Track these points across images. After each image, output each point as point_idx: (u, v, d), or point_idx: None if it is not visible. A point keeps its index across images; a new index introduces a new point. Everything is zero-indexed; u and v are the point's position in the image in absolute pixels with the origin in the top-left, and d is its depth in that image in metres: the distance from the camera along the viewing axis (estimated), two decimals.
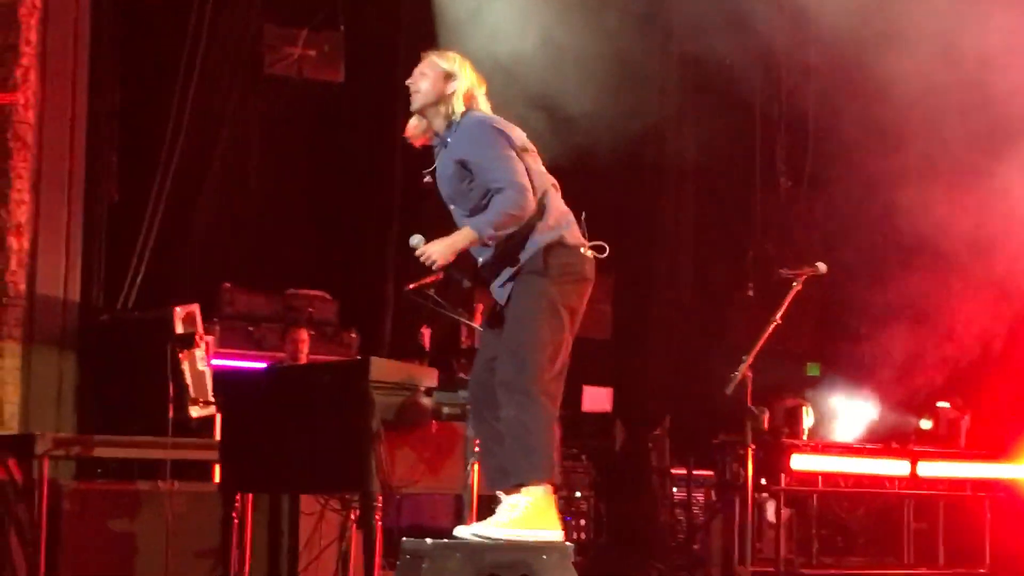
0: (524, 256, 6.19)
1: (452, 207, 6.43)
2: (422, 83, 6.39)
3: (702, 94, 14.35)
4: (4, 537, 8.80)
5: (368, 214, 13.47)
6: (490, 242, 6.16)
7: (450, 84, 6.35)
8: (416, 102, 6.39)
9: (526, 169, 6.23)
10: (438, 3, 12.49)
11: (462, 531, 6.06)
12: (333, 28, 12.74)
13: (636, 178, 14.66)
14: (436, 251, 6.10)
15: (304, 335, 11.40)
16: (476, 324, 8.33)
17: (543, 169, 6.39)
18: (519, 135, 6.36)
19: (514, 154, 6.23)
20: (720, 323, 14.66)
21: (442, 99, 6.36)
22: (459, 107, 6.35)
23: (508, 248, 6.22)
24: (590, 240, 6.33)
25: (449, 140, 6.35)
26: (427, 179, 6.53)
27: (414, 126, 6.47)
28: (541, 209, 6.23)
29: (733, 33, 12.73)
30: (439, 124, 6.39)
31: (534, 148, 6.41)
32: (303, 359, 11.29)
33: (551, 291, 6.15)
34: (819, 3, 12.20)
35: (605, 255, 6.31)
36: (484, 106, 6.46)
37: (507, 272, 6.26)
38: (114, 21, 11.62)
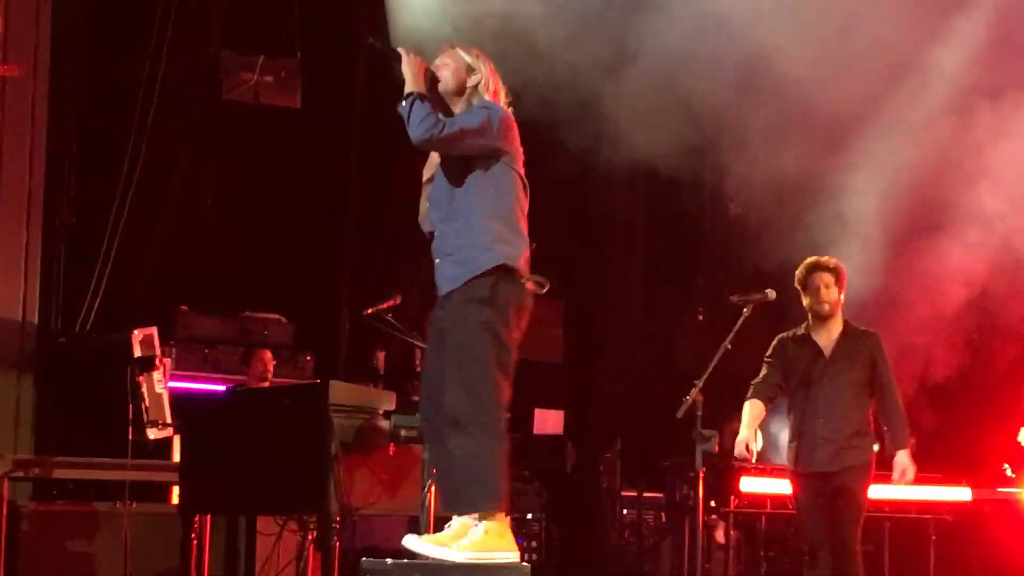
0: (480, 259, 6.11)
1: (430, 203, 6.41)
2: (443, 72, 6.35)
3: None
4: None
5: (323, 238, 13.51)
6: (405, 104, 6.13)
7: (472, 76, 6.33)
8: (440, 88, 6.33)
9: (511, 181, 6.24)
10: (395, 30, 12.58)
11: (412, 541, 6.04)
12: (290, 55, 12.81)
13: (586, 200, 14.76)
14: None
15: (271, 356, 11.47)
16: None
17: (523, 193, 6.33)
18: (516, 142, 6.32)
19: (488, 138, 6.18)
20: (670, 347, 14.77)
21: (463, 89, 6.34)
22: (486, 98, 6.33)
23: (466, 248, 6.15)
24: (539, 269, 6.33)
25: None
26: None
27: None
28: (507, 224, 6.20)
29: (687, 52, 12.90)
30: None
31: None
32: (271, 379, 11.37)
33: (496, 322, 6.07)
34: (771, 32, 12.38)
35: (544, 291, 6.28)
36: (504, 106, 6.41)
37: (459, 268, 6.17)
38: (74, 44, 11.65)
